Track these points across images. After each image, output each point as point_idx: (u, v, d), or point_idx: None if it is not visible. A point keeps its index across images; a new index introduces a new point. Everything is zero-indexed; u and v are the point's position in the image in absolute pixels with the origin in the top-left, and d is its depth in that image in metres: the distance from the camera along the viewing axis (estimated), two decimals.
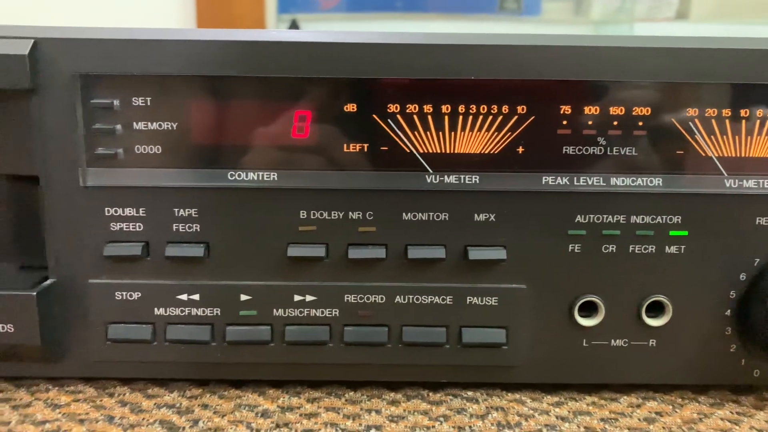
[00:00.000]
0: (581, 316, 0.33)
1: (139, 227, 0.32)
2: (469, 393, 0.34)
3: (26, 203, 0.33)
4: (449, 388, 0.34)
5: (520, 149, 0.32)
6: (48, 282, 0.32)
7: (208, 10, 1.34)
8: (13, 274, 0.34)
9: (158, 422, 0.31)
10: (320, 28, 1.42)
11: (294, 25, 1.39)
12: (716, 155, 0.32)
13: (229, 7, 1.35)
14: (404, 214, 0.32)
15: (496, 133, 0.31)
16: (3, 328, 0.31)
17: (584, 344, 0.33)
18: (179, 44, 0.31)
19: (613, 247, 0.32)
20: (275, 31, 0.31)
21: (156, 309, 0.32)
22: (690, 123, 0.31)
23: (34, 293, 0.31)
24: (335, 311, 0.33)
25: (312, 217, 0.32)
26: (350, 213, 0.32)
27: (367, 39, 0.31)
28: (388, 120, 0.31)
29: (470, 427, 0.31)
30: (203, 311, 0.32)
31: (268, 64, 0.31)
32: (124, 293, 0.32)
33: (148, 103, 0.31)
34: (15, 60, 0.29)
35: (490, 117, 0.31)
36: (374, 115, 0.31)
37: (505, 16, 1.46)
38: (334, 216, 0.32)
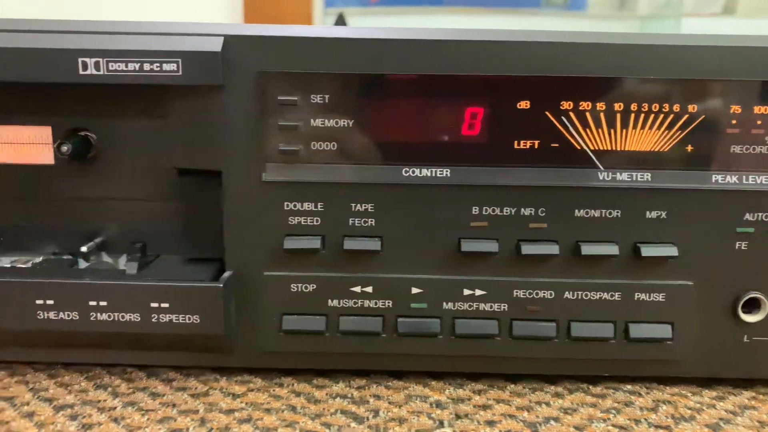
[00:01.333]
0: (744, 312, 0.33)
1: (317, 221, 0.33)
2: (629, 387, 0.35)
3: (195, 197, 0.34)
4: (607, 382, 0.35)
5: (689, 148, 0.32)
6: (227, 274, 0.32)
7: (255, 2, 1.34)
8: (182, 267, 0.35)
9: (339, 411, 0.31)
10: (366, 22, 1.42)
11: (341, 19, 1.39)
12: None
13: (276, 1, 1.36)
14: (576, 210, 0.33)
15: (666, 132, 0.32)
16: (189, 318, 0.31)
17: (745, 339, 0.34)
18: (359, 42, 0.31)
19: None
20: (453, 29, 0.32)
21: (330, 300, 0.33)
22: None
23: (222, 285, 0.31)
24: (504, 306, 0.33)
25: (484, 213, 0.33)
26: (522, 209, 0.33)
27: (541, 38, 0.31)
28: (561, 117, 0.32)
29: (645, 419, 0.31)
30: (375, 303, 0.33)
31: (445, 62, 0.31)
32: (300, 285, 0.33)
33: (326, 101, 0.32)
34: (209, 57, 0.30)
35: (662, 115, 0.32)
36: (547, 112, 0.32)
37: (551, 11, 1.46)
38: (506, 212, 0.33)
